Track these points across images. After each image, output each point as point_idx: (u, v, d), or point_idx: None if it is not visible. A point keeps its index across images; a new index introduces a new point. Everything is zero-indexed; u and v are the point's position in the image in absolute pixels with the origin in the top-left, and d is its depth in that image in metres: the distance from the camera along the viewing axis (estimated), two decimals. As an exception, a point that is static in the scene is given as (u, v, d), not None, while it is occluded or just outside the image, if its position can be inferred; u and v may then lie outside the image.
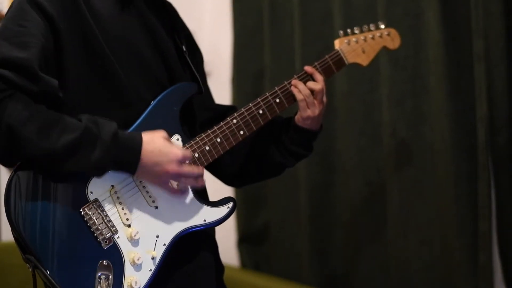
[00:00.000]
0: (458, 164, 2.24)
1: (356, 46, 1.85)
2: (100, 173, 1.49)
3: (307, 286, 2.76)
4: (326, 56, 1.81)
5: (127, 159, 1.49)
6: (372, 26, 1.90)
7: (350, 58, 1.84)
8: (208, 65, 2.03)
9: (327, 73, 1.80)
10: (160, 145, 1.52)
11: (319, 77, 1.76)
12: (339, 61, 1.83)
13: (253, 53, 3.18)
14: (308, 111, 1.73)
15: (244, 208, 3.12)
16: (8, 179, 1.43)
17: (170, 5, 1.79)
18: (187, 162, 1.57)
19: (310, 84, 1.74)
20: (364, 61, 1.88)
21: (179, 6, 1.87)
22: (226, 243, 1.75)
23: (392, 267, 2.50)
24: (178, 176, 1.54)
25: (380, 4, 2.48)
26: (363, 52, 1.87)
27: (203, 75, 1.84)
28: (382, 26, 1.91)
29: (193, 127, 1.72)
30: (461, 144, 2.24)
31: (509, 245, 2.16)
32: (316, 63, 1.79)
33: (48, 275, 1.40)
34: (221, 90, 1.98)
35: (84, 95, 1.53)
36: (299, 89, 1.74)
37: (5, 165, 1.48)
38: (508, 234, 2.16)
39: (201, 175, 1.59)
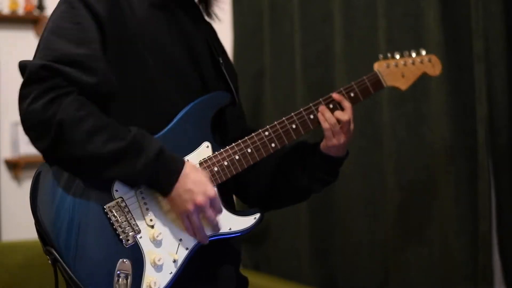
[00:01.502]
0: (458, 164, 2.24)
1: (395, 70, 1.83)
2: (134, 183, 1.48)
3: (307, 286, 2.76)
4: (364, 77, 1.78)
5: (164, 177, 1.48)
6: (413, 52, 1.88)
7: (388, 81, 1.81)
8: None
9: (363, 94, 1.76)
10: (200, 176, 1.51)
11: (347, 105, 1.72)
12: (376, 82, 1.79)
13: (253, 53, 3.18)
14: (333, 140, 1.69)
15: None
16: (35, 174, 1.45)
17: (209, 23, 1.79)
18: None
19: (338, 114, 1.70)
20: (403, 85, 1.85)
21: (179, 7, 1.87)
22: (226, 243, 1.74)
23: (392, 267, 2.50)
24: (200, 210, 1.50)
25: (380, 4, 2.48)
26: (403, 76, 1.84)
27: (237, 91, 1.80)
28: (423, 52, 1.87)
29: (225, 138, 1.68)
30: (461, 144, 2.24)
31: (509, 245, 2.17)
32: (353, 83, 1.76)
33: (66, 267, 1.41)
34: (221, 90, 1.97)
35: (117, 98, 1.52)
36: (326, 117, 1.69)
37: (48, 159, 1.46)
38: (508, 234, 2.16)
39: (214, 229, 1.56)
